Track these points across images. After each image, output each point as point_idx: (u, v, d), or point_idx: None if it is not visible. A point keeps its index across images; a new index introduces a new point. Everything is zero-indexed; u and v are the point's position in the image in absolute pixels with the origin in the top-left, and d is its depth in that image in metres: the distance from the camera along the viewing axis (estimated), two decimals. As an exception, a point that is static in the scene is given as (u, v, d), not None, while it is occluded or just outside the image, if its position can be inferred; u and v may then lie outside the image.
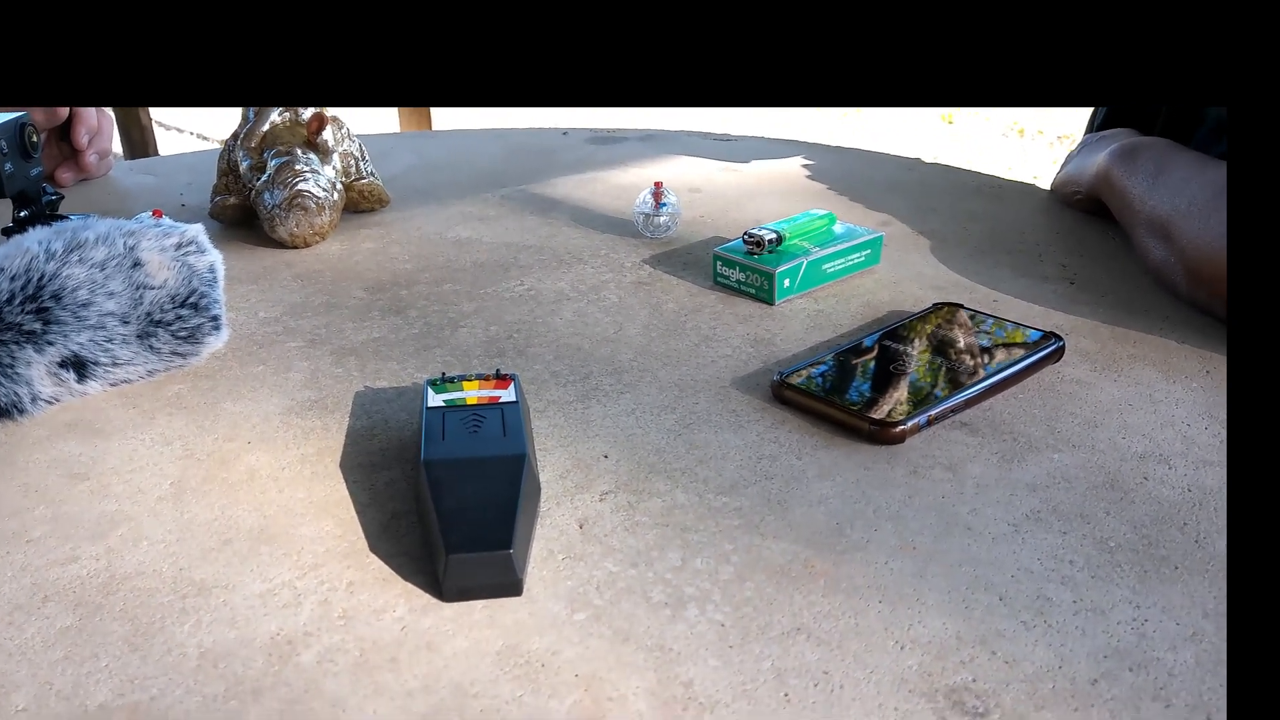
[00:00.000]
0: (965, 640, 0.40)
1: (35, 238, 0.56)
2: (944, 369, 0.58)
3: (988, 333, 0.62)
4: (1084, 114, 1.00)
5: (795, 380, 0.57)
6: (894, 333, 0.62)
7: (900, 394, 0.55)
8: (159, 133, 2.93)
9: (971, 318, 0.64)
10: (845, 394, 0.56)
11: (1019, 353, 0.59)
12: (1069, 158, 0.92)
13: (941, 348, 0.60)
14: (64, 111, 0.93)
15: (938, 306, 0.66)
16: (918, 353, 0.60)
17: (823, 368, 0.58)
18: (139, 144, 2.51)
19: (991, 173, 1.04)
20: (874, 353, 0.60)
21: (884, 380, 0.57)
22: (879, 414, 0.53)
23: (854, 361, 0.59)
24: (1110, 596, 0.42)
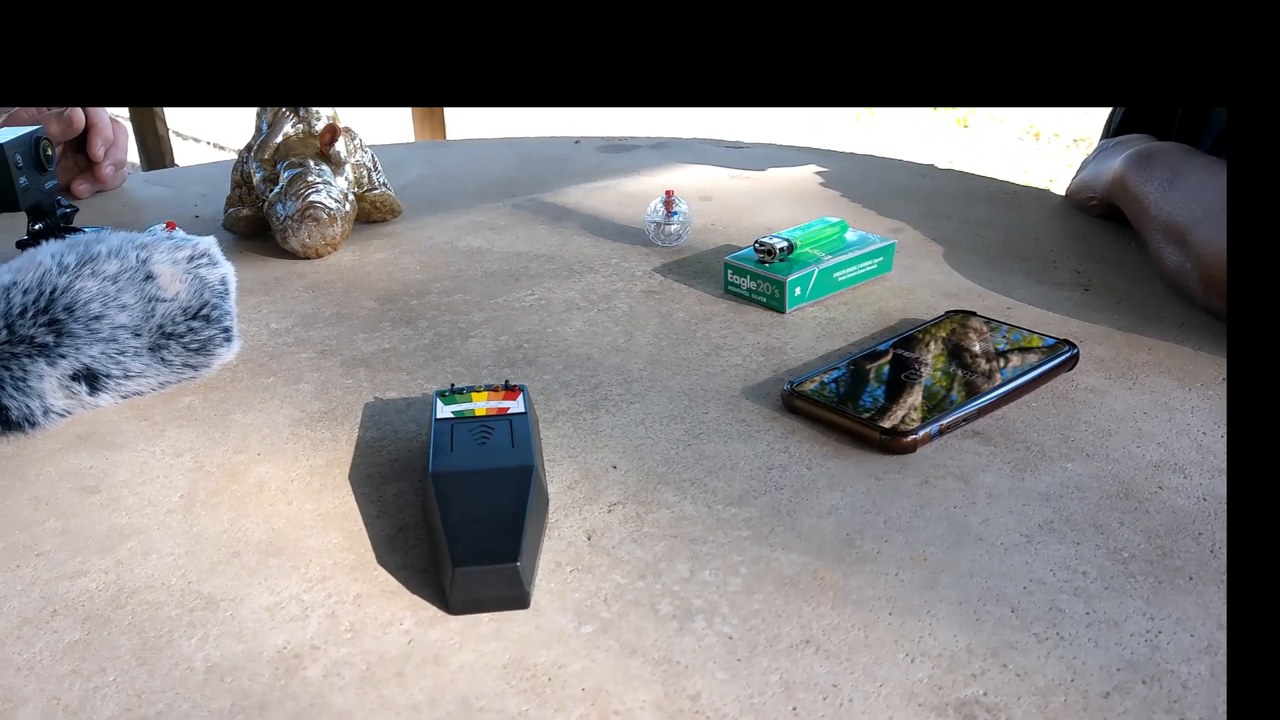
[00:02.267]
0: (976, 653, 0.39)
1: (48, 251, 0.57)
2: (956, 377, 0.57)
3: (1001, 340, 0.62)
4: (1099, 117, 0.99)
5: (806, 389, 0.56)
6: (905, 341, 0.62)
7: (912, 403, 0.55)
8: (176, 142, 2.95)
9: (984, 325, 0.64)
10: (856, 403, 0.55)
11: (1032, 360, 0.59)
12: (1084, 163, 0.91)
13: (954, 356, 0.60)
14: (80, 123, 0.94)
15: (950, 314, 0.66)
16: (930, 361, 0.59)
17: (834, 376, 0.58)
18: (155, 154, 2.53)
19: (1006, 177, 1.03)
20: (885, 361, 0.60)
21: (895, 389, 0.56)
22: (890, 423, 0.53)
23: (865, 370, 0.59)
24: (1123, 608, 0.41)
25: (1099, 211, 0.87)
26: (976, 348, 0.61)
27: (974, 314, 0.66)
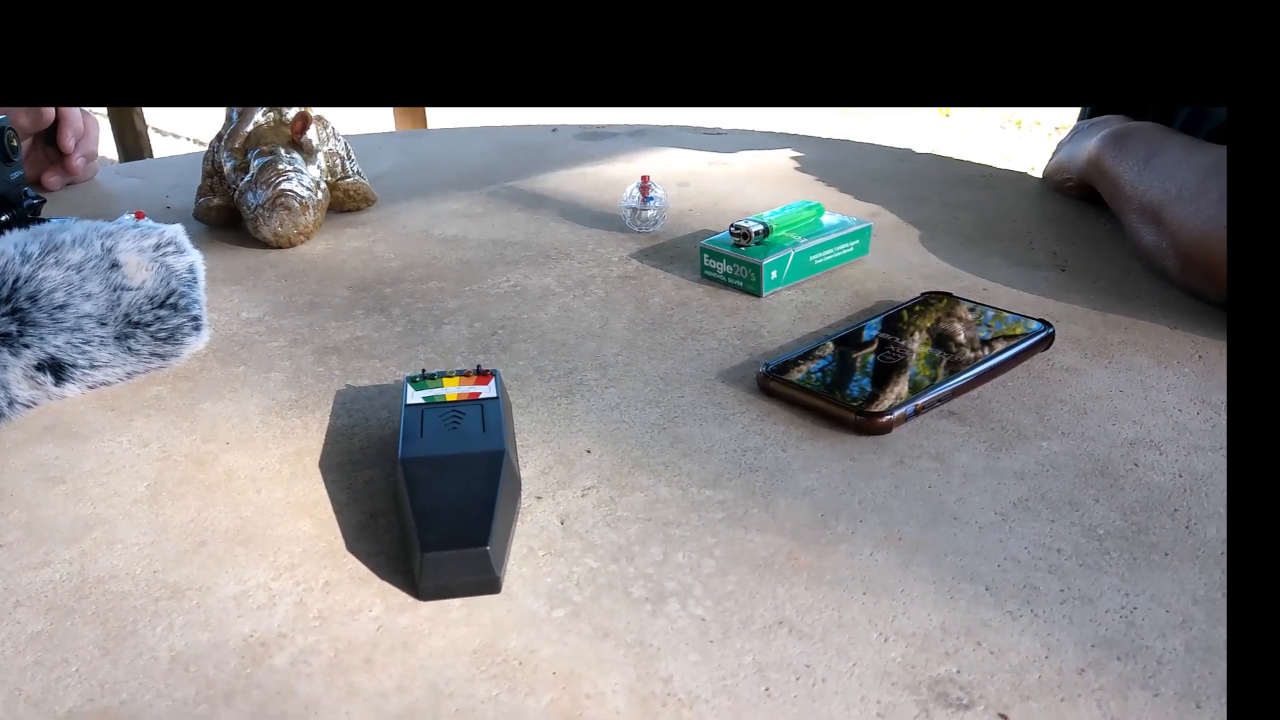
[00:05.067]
0: (950, 631, 0.39)
1: (11, 240, 0.56)
2: (932, 358, 0.57)
3: (976, 321, 0.62)
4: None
5: (781, 372, 0.56)
6: (881, 322, 0.61)
7: (887, 384, 0.54)
8: (154, 138, 2.92)
9: (961, 306, 0.64)
10: (831, 385, 0.55)
11: (1008, 341, 0.59)
12: (1060, 145, 0.91)
13: (929, 337, 0.60)
14: (50, 115, 0.93)
15: (927, 295, 0.65)
16: (905, 342, 0.59)
17: (809, 359, 0.57)
18: (134, 149, 2.51)
19: (988, 164, 1.03)
20: (861, 343, 0.59)
21: (871, 370, 0.56)
22: (865, 404, 0.52)
23: (841, 352, 0.58)
24: (1099, 585, 0.41)
25: (1075, 192, 0.86)
26: (953, 329, 0.60)
27: (950, 295, 0.65)
